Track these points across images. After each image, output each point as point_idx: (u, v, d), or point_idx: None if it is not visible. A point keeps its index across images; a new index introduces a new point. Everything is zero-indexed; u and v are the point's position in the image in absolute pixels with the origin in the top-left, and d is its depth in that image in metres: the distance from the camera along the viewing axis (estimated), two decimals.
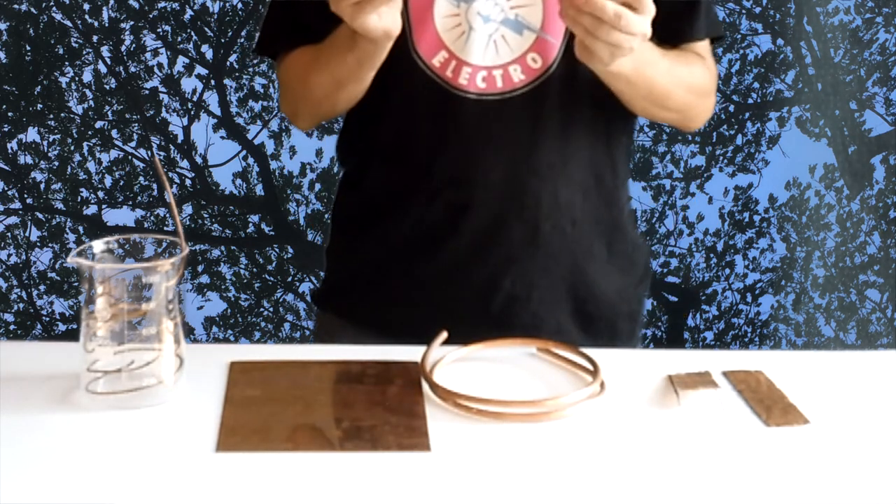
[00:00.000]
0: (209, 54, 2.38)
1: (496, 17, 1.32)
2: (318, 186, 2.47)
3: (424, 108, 1.35)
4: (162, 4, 2.34)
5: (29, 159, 2.39)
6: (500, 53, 1.33)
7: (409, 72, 1.33)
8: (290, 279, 2.52)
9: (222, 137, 2.43)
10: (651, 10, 1.18)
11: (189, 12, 2.35)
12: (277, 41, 1.44)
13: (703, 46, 1.44)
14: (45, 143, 2.38)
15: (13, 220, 2.42)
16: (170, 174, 2.42)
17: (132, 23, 2.34)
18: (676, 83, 1.36)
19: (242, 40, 2.38)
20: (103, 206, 2.43)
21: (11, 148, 2.37)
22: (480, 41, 1.32)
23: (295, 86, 1.42)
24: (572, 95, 1.36)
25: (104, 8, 2.32)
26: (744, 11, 2.45)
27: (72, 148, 2.39)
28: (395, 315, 1.40)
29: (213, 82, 2.40)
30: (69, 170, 2.40)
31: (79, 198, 2.42)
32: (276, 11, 1.43)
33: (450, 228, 1.38)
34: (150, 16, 2.34)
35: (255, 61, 2.39)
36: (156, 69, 2.37)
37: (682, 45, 1.40)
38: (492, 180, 1.36)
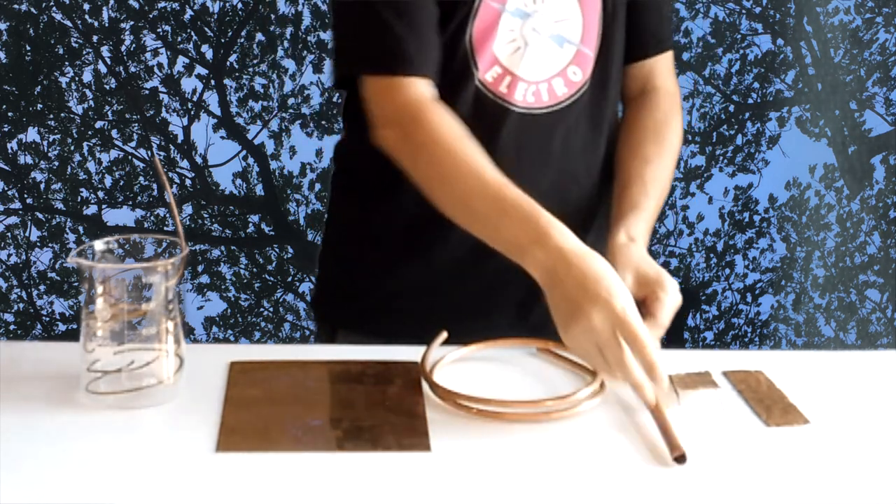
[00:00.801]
0: (209, 54, 2.38)
1: (545, 32, 1.33)
2: (318, 186, 2.47)
3: (478, 124, 1.31)
4: (162, 4, 2.34)
5: (29, 159, 2.39)
6: (546, 68, 1.34)
7: (468, 89, 1.32)
8: (290, 279, 2.52)
9: (222, 137, 2.43)
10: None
11: (189, 12, 2.35)
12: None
13: (669, 58, 1.47)
14: (45, 143, 2.38)
15: (13, 220, 2.42)
16: (170, 174, 2.42)
17: (132, 23, 2.34)
18: (668, 184, 1.39)
19: (242, 40, 2.38)
20: (103, 206, 2.43)
21: (11, 148, 2.37)
22: (533, 56, 1.33)
23: (410, 158, 1.29)
24: (602, 103, 1.39)
25: (104, 8, 2.32)
26: (744, 11, 2.45)
27: (72, 148, 2.39)
28: (430, 330, 1.28)
29: (213, 82, 2.40)
30: (69, 170, 2.40)
31: (79, 198, 2.42)
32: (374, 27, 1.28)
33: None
34: (150, 16, 2.34)
35: (255, 61, 2.39)
36: (156, 69, 2.37)
37: (655, 57, 1.45)
38: (539, 193, 1.31)
